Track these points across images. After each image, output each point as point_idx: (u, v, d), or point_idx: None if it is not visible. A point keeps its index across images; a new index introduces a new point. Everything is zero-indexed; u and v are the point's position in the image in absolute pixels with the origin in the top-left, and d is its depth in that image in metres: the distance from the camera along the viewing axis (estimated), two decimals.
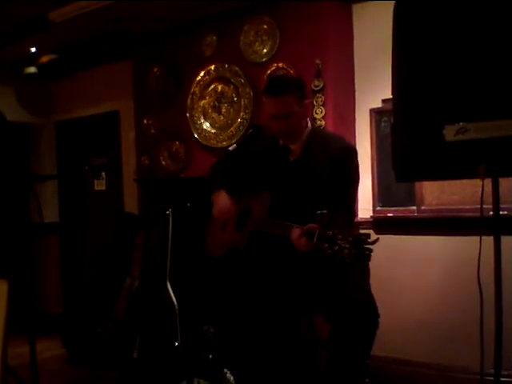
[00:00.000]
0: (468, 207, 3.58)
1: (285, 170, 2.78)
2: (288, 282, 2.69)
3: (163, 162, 4.91)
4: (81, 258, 5.97)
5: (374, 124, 4.02)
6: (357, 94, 4.16)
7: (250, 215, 2.81)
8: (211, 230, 3.07)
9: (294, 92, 2.66)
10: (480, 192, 1.98)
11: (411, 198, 3.89)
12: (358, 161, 2.76)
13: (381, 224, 3.99)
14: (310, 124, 2.83)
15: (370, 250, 2.19)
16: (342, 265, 2.23)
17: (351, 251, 2.16)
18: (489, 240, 2.06)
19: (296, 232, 2.42)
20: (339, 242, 2.19)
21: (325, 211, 2.33)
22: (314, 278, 2.62)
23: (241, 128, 4.36)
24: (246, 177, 2.94)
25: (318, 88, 3.93)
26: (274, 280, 2.73)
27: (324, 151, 2.70)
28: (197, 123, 4.64)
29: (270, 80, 2.86)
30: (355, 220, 3.05)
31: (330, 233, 2.23)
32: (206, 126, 4.62)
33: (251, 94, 4.30)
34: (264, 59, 4.24)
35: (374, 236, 2.21)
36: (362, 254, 2.17)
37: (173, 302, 3.72)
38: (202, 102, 4.63)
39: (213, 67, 4.53)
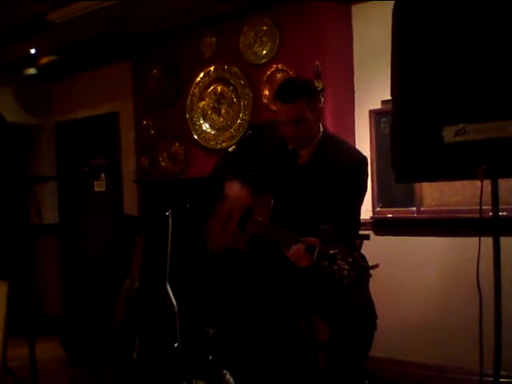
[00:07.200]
0: (467, 208, 3.58)
1: (292, 173, 2.73)
2: (287, 284, 2.68)
3: (163, 163, 4.91)
4: (80, 259, 5.97)
5: (373, 125, 4.03)
6: (356, 95, 4.16)
7: (252, 217, 2.79)
8: (213, 225, 3.04)
9: (305, 97, 2.57)
10: (479, 193, 1.98)
11: (411, 199, 3.89)
12: (367, 172, 2.70)
13: (380, 225, 4.00)
14: (322, 129, 2.72)
15: (370, 275, 2.16)
16: (339, 284, 2.20)
17: (350, 273, 2.12)
18: (488, 241, 2.06)
19: (295, 247, 2.37)
20: (339, 261, 2.14)
21: (328, 226, 2.27)
22: (312, 280, 2.62)
23: (240, 129, 4.35)
24: (248, 178, 2.93)
25: (317, 89, 3.93)
26: (273, 282, 2.73)
27: (335, 159, 2.61)
28: (196, 124, 4.64)
29: (281, 84, 2.71)
30: (358, 231, 2.98)
31: (331, 252, 2.18)
32: (206, 127, 4.62)
33: (251, 95, 4.30)
34: (263, 60, 4.24)
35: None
36: (360, 277, 2.14)
37: (172, 303, 3.71)
38: (202, 103, 4.63)
39: (212, 68, 4.53)
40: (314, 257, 2.25)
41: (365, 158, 2.70)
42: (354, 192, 2.61)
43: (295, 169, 2.73)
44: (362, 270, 2.13)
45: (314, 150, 2.68)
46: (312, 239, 2.29)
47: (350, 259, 2.13)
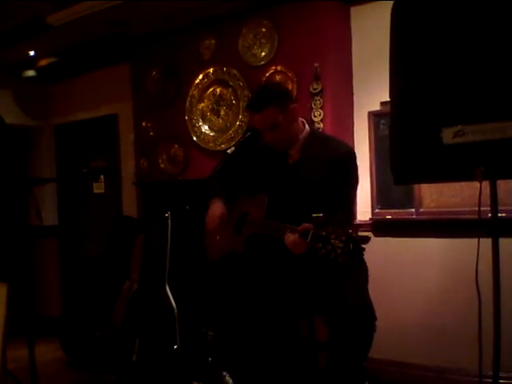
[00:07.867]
0: (466, 209, 3.58)
1: (284, 172, 2.77)
2: (286, 285, 2.69)
3: (162, 165, 4.91)
4: (80, 261, 5.97)
5: (372, 127, 4.03)
6: (355, 96, 4.16)
7: (248, 218, 2.81)
8: (210, 232, 3.07)
9: (274, 103, 2.64)
10: (478, 194, 1.98)
11: (410, 201, 3.89)
12: (356, 164, 2.75)
13: (379, 226, 4.00)
14: (307, 126, 2.81)
15: (363, 249, 2.19)
16: (334, 265, 2.22)
17: (344, 250, 2.15)
18: (487, 242, 2.06)
19: (290, 235, 2.42)
20: (332, 241, 2.18)
21: (320, 214, 2.32)
22: (312, 281, 2.62)
23: (239, 131, 4.36)
24: (245, 179, 2.94)
25: (316, 91, 3.94)
26: (272, 283, 2.73)
27: (323, 154, 2.68)
28: (195, 126, 4.64)
29: (251, 95, 2.87)
30: (354, 222, 3.03)
31: (324, 233, 2.22)
32: (205, 128, 4.62)
33: (250, 96, 4.29)
34: (262, 62, 4.24)
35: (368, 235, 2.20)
36: (354, 253, 2.16)
37: (172, 304, 3.72)
38: (201, 105, 4.63)
39: (211, 70, 4.53)
40: (308, 240, 2.29)
41: (352, 150, 2.81)
42: (346, 183, 2.68)
43: (287, 168, 2.78)
44: (356, 243, 2.15)
45: (301, 148, 2.75)
46: (306, 224, 2.34)
47: (344, 237, 2.16)
